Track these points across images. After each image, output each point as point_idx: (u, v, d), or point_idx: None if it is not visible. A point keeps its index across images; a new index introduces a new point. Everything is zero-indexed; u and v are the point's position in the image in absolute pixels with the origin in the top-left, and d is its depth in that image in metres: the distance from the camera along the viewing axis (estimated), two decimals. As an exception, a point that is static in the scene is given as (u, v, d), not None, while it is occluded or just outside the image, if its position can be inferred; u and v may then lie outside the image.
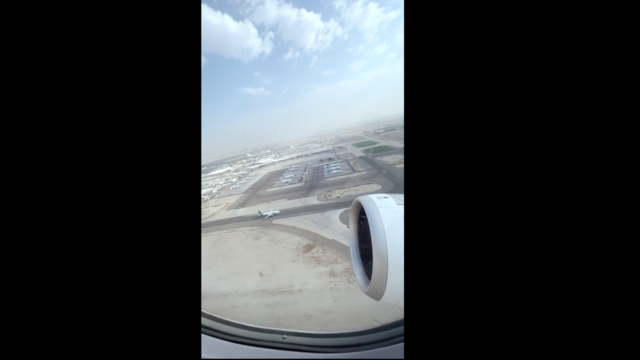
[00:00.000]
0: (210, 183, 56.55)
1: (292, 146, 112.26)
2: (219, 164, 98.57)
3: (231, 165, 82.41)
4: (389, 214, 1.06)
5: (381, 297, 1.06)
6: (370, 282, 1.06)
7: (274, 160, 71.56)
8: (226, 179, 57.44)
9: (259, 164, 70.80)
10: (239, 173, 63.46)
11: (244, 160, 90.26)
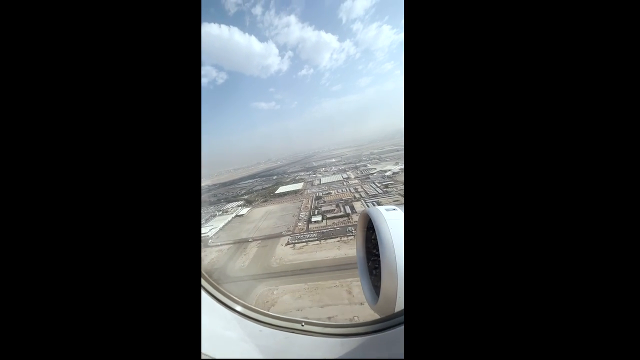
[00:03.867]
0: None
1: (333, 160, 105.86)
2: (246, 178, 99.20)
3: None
4: (398, 227, 1.01)
5: None
6: (379, 299, 1.01)
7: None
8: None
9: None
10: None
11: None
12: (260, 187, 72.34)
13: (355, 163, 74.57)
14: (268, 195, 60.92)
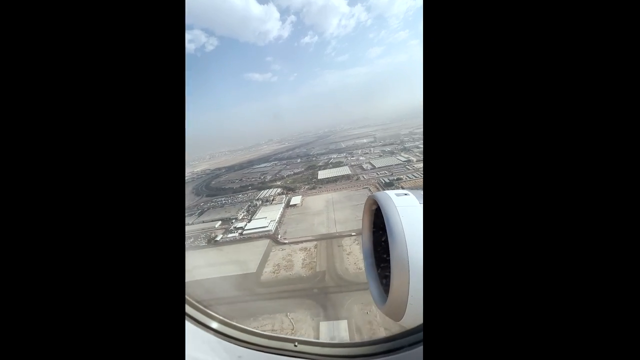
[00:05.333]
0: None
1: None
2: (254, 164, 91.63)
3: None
4: (410, 214, 0.90)
5: (401, 318, 0.91)
6: (388, 299, 0.92)
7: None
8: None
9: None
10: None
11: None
12: (291, 172, 66.24)
13: (401, 144, 69.91)
14: (310, 181, 55.38)
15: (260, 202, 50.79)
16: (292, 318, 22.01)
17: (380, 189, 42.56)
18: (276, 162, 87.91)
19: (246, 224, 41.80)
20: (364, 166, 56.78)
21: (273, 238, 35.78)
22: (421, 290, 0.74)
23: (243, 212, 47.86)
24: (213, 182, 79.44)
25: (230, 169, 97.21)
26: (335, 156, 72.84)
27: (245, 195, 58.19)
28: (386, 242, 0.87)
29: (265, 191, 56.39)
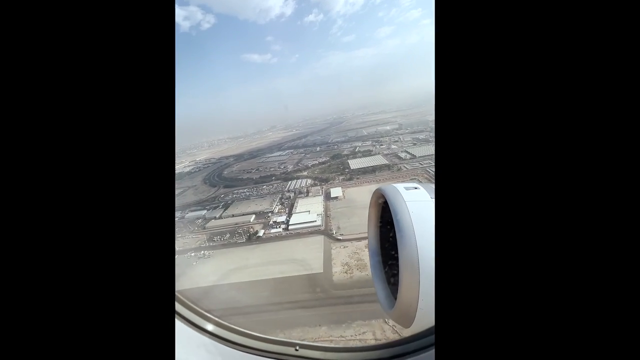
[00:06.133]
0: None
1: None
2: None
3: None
4: (421, 210, 0.85)
5: (411, 324, 0.86)
6: (397, 303, 0.85)
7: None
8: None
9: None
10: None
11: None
12: (315, 162, 63.10)
13: (432, 131, 66.88)
14: (342, 171, 52.63)
15: (293, 194, 47.96)
16: (394, 325, 20.04)
17: (431, 180, 40.36)
18: (292, 150, 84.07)
19: (287, 218, 39.20)
20: (401, 155, 54.27)
21: (326, 234, 33.36)
22: (432, 295, 0.68)
23: (276, 204, 45.04)
24: (225, 172, 75.64)
25: (239, 157, 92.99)
26: (359, 144, 69.78)
27: (270, 186, 55.14)
28: (394, 238, 0.81)
29: (293, 182, 53.46)
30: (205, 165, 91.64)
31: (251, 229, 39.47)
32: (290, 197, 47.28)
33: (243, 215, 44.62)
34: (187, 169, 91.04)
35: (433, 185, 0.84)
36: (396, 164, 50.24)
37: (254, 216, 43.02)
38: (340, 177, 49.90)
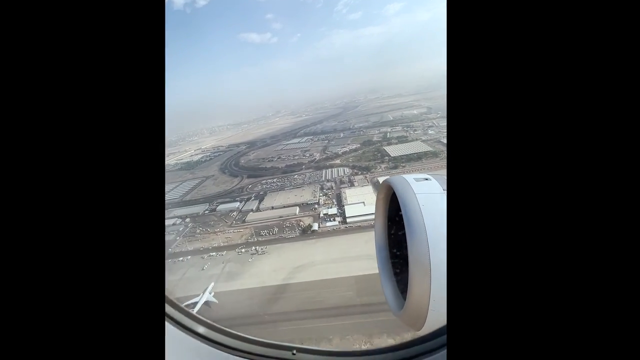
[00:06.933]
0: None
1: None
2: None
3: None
4: (432, 203, 0.81)
5: (422, 327, 0.83)
6: (406, 304, 0.83)
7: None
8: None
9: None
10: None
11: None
12: (345, 149, 60.32)
13: None
14: (381, 159, 50.31)
15: (334, 184, 45.56)
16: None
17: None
18: (310, 137, 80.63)
19: (340, 210, 37.05)
20: (444, 141, 52.24)
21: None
22: (444, 295, 0.63)
23: (320, 195, 42.65)
24: (242, 161, 71.99)
25: (251, 145, 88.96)
26: (389, 130, 67.19)
27: (302, 175, 52.44)
28: (403, 233, 0.76)
29: (328, 171, 50.88)
30: (215, 154, 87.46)
31: (301, 222, 37.21)
32: (331, 187, 44.88)
33: (284, 207, 42.16)
34: (196, 158, 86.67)
35: (445, 176, 0.79)
36: (442, 151, 48.18)
37: (298, 208, 40.63)
38: (383, 166, 47.62)
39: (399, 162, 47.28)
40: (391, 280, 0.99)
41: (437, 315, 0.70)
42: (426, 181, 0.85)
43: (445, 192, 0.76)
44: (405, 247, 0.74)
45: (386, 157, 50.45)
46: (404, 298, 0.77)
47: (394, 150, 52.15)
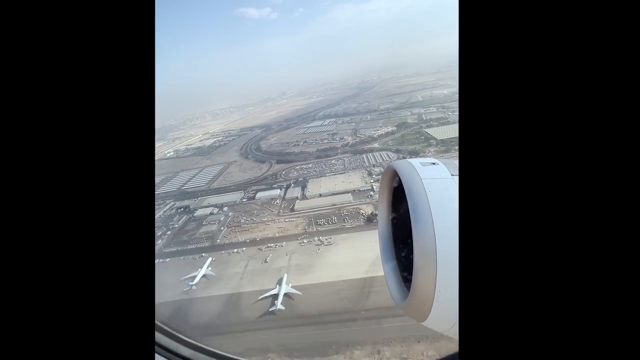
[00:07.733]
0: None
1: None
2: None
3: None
4: (439, 189, 0.78)
5: (425, 318, 0.79)
6: (410, 295, 0.79)
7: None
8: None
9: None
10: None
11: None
12: (380, 132, 57.85)
13: None
14: (427, 142, 48.34)
15: (381, 169, 43.58)
16: None
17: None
18: (333, 119, 77.16)
19: (401, 197, 35.44)
20: None
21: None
22: (451, 286, 0.61)
23: (372, 182, 40.77)
24: (264, 146, 68.53)
25: (267, 129, 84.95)
26: (422, 111, 64.70)
27: (340, 161, 50.08)
28: (408, 221, 0.73)
29: (370, 155, 48.72)
30: (228, 138, 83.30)
31: (360, 210, 35.46)
32: (380, 172, 42.92)
33: (334, 194, 40.16)
34: (208, 143, 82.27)
35: (454, 161, 0.78)
36: (494, 133, 46.44)
37: (351, 195, 38.71)
38: (432, 149, 45.70)
39: (449, 145, 45.42)
40: (394, 269, 0.92)
41: (442, 307, 0.68)
42: (433, 166, 0.80)
43: (453, 177, 0.73)
44: (410, 235, 0.71)
45: (432, 140, 48.45)
46: (408, 288, 0.74)
47: (438, 133, 50.15)
